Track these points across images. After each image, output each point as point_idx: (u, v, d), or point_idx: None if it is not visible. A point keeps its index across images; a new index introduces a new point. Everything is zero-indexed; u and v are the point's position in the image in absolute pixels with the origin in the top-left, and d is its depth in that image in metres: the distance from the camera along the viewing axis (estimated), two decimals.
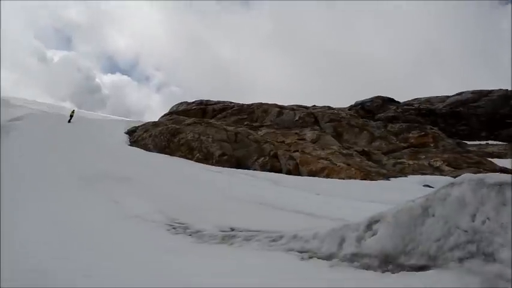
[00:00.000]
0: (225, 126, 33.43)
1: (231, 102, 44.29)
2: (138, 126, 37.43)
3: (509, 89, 55.51)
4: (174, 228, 9.16)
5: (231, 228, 9.07)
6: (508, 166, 27.92)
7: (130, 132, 36.28)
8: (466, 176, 5.92)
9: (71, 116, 40.73)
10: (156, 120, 41.18)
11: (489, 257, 4.93)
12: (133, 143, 33.07)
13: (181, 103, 48.10)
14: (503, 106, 53.19)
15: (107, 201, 11.81)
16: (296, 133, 34.27)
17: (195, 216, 10.14)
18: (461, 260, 5.06)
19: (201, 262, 6.15)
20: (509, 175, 5.97)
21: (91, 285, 4.58)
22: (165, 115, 44.12)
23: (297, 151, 29.35)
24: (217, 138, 30.65)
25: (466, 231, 5.29)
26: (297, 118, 38.16)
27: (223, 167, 27.10)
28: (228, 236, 8.15)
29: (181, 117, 38.27)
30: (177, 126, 33.01)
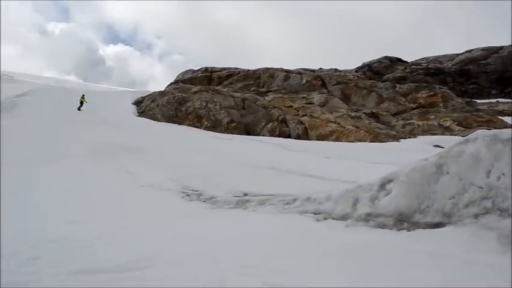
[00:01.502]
0: (232, 93, 33.26)
1: (236, 68, 43.84)
2: (145, 97, 37.36)
3: None
4: (188, 195, 9.26)
5: (244, 194, 9.16)
6: None
7: (138, 103, 36.27)
8: (480, 132, 5.88)
9: (81, 103, 31.39)
10: (162, 89, 41.02)
11: (504, 212, 4.94)
12: (141, 113, 33.11)
13: (186, 71, 47.72)
14: None
15: (120, 172, 11.92)
16: (304, 97, 34.05)
17: (207, 183, 10.23)
18: (476, 216, 5.09)
19: (219, 225, 6.23)
20: None
21: (112, 252, 4.65)
22: (171, 84, 43.91)
23: (305, 115, 29.25)
24: (224, 106, 30.57)
25: (481, 187, 5.30)
26: (304, 82, 37.82)
27: (232, 134, 27.16)
28: (242, 200, 8.23)
29: (188, 85, 38.08)
30: (184, 95, 32.91)
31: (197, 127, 29.01)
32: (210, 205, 8.24)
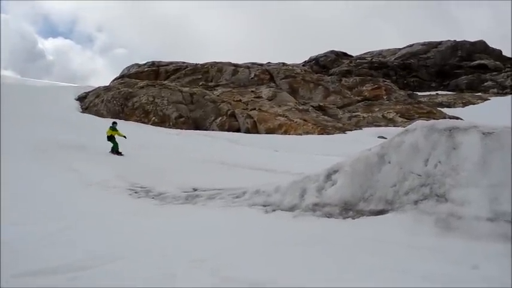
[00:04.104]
0: (179, 88, 32.85)
1: (183, 62, 43.29)
2: (89, 92, 36.09)
3: (457, 40, 57.30)
4: (136, 192, 9.09)
5: (193, 189, 9.11)
6: (457, 114, 29.22)
7: (81, 99, 34.98)
8: (419, 123, 6.18)
9: (111, 138, 15.83)
10: (106, 84, 39.80)
11: (441, 197, 5.24)
12: (85, 109, 31.99)
13: (132, 65, 46.54)
14: (451, 57, 55.04)
15: (65, 170, 11.48)
16: (252, 91, 34.22)
17: (156, 180, 10.08)
18: (416, 202, 5.36)
19: (168, 221, 6.17)
20: (459, 121, 6.24)
21: (59, 253, 4.50)
22: (116, 79, 42.69)
23: (254, 109, 29.43)
24: (172, 100, 30.16)
25: (419, 175, 5.58)
26: (252, 76, 37.99)
27: (181, 129, 26.86)
28: (191, 196, 8.20)
29: (134, 80, 37.17)
30: (130, 90, 32.14)
31: (144, 123, 28.45)
32: (159, 201, 8.13)
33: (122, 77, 42.58)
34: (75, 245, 4.88)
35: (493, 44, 61.68)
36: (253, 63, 42.96)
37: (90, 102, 32.83)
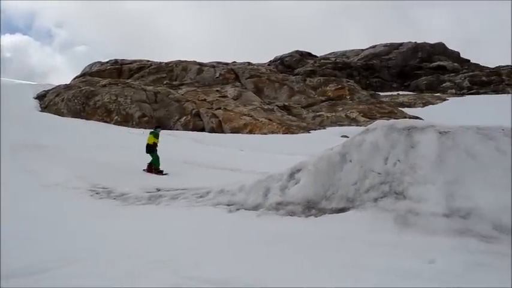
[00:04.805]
0: (143, 86, 32.32)
1: (148, 61, 42.61)
2: (49, 90, 35.00)
3: (418, 41, 59.02)
4: (97, 193, 8.90)
5: (157, 189, 9.01)
6: (417, 114, 30.08)
7: (41, 97, 33.86)
8: (379, 123, 6.34)
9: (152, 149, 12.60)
10: (66, 82, 38.69)
11: (400, 195, 5.39)
12: (45, 108, 30.98)
13: (94, 63, 45.43)
14: (412, 58, 56.60)
15: (22, 171, 11.11)
16: (217, 90, 34.09)
17: (118, 180, 9.90)
18: (376, 199, 5.49)
19: (130, 222, 6.08)
20: (417, 120, 6.43)
21: (19, 256, 4.33)
22: (77, 77, 41.55)
23: (219, 108, 29.32)
24: (136, 99, 29.65)
25: (379, 173, 5.72)
26: (217, 75, 37.84)
27: (144, 128, 26.43)
28: (154, 196, 8.10)
29: (96, 78, 36.28)
30: (92, 88, 31.36)
31: (107, 122, 27.82)
32: (121, 202, 8.00)
33: (83, 75, 41.47)
34: (36, 247, 4.75)
35: (451, 46, 63.84)
36: (218, 63, 42.81)
37: (50, 100, 31.82)
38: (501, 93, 42.06)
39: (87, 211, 7.26)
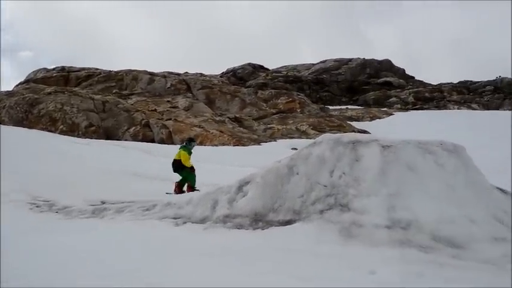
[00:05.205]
0: (91, 95, 31.39)
1: (97, 69, 41.46)
2: None
3: (366, 58, 61.31)
4: (37, 206, 8.47)
5: (102, 202, 8.72)
6: (365, 128, 31.07)
7: None
8: (326, 136, 6.49)
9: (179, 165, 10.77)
10: (10, 89, 36.91)
11: (345, 207, 5.52)
12: None
13: (39, 70, 43.60)
14: (360, 74, 58.71)
15: None
16: (168, 101, 33.67)
17: (61, 192, 9.48)
18: (321, 211, 5.59)
19: (72, 237, 5.82)
20: (362, 134, 6.64)
21: None
22: (20, 83, 39.75)
23: (170, 119, 28.97)
24: (83, 108, 28.72)
25: (325, 186, 5.84)
26: (168, 85, 37.41)
27: (91, 138, 25.63)
28: (99, 209, 7.83)
29: (40, 85, 34.83)
30: (36, 96, 30.07)
31: (51, 131, 26.72)
32: (63, 216, 7.66)
33: (27, 81, 39.71)
34: None
35: (397, 63, 66.78)
36: (170, 73, 42.36)
37: None
38: (443, 109, 44.37)
39: (26, 226, 6.88)
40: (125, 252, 4.89)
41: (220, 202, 6.39)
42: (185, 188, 10.47)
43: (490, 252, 4.78)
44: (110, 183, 11.58)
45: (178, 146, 11.95)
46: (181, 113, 30.54)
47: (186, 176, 10.51)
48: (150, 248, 5.05)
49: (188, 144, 11.06)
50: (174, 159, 10.78)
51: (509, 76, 53.69)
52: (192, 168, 10.62)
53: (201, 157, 18.87)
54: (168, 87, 37.16)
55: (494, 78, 54.41)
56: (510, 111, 36.45)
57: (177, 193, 10.01)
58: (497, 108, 44.29)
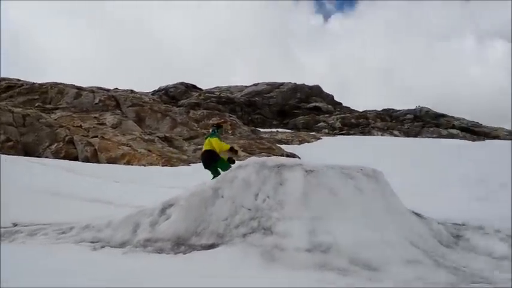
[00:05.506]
0: (10, 107, 29.49)
1: (18, 80, 39.08)
2: None
3: (297, 82, 63.39)
4: None
5: (13, 224, 8.08)
6: (294, 151, 31.79)
7: None
8: (252, 159, 6.55)
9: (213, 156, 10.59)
10: None
11: (268, 230, 5.56)
12: None
13: None
14: (291, 98, 60.48)
15: None
16: (95, 117, 32.43)
17: None
18: (245, 235, 5.58)
19: None
20: (287, 158, 6.78)
21: None
22: None
23: (96, 136, 27.86)
24: (0, 122, 26.88)
25: (250, 209, 5.85)
26: (96, 101, 36.08)
27: (8, 154, 23.96)
28: (9, 232, 7.25)
29: None
30: None
31: None
32: None
33: None
34: None
35: (326, 89, 69.59)
36: (99, 88, 40.92)
37: None
38: (367, 135, 46.70)
39: None
40: (34, 280, 4.54)
41: (142, 225, 6.18)
42: None
43: (403, 274, 4.99)
44: (25, 203, 10.82)
45: (206, 135, 10.47)
46: (109, 131, 29.51)
47: (221, 166, 9.45)
48: (62, 275, 4.73)
49: (216, 132, 10.29)
50: (205, 150, 9.64)
51: (428, 106, 57.99)
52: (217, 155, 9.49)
53: (127, 177, 18.31)
54: (96, 103, 35.84)
55: (414, 107, 58.47)
56: (428, 138, 39.25)
57: None
58: (416, 136, 47.38)
